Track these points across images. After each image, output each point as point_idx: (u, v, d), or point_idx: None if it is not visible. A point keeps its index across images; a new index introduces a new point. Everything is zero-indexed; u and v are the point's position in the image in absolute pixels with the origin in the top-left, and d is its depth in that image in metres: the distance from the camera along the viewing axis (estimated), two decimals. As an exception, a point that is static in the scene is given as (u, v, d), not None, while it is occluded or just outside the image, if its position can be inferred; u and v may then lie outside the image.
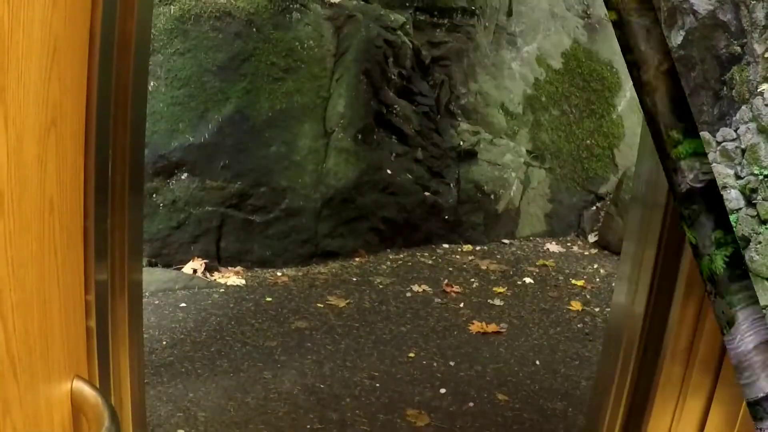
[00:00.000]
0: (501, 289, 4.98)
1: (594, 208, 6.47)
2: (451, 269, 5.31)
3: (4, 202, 0.78)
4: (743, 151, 0.97)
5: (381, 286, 4.89)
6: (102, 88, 1.16)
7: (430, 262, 5.43)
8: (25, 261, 0.86)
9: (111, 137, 1.27)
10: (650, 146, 1.28)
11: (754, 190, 0.97)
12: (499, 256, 5.69)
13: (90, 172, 1.16)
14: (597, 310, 4.73)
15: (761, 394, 0.99)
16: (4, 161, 0.77)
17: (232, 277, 4.79)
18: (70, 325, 1.06)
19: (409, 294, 4.80)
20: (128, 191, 1.36)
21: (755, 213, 0.98)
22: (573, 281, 5.23)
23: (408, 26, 5.67)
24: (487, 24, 6.14)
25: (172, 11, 4.79)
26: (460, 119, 5.99)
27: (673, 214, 1.19)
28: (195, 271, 4.77)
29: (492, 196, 6.00)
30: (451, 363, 3.88)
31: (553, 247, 6.03)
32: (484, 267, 5.39)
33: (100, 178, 1.22)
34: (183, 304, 4.33)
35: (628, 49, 1.02)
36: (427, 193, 5.68)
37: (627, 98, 6.65)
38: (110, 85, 1.23)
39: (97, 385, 1.25)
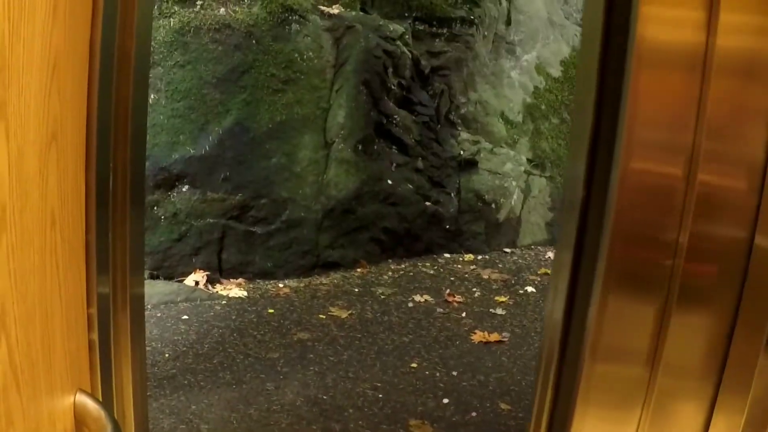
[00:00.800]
0: (503, 299, 4.98)
1: (595, 216, 6.46)
2: (452, 279, 5.31)
3: (6, 215, 0.79)
4: None
5: (383, 297, 4.89)
6: (102, 102, 1.16)
7: (431, 272, 5.43)
8: (27, 274, 0.86)
9: (112, 150, 1.27)
10: (573, 145, 1.27)
11: None
12: (500, 265, 5.69)
13: (91, 185, 1.16)
14: (599, 318, 4.72)
15: None
16: (5, 175, 0.78)
17: (233, 289, 4.79)
18: (73, 338, 1.06)
19: (410, 304, 4.80)
20: (129, 204, 1.36)
21: None
22: (575, 289, 5.22)
23: (407, 36, 5.68)
24: (486, 33, 6.15)
25: (171, 24, 4.80)
26: (460, 129, 6.00)
27: (591, 213, 1.17)
28: (197, 283, 4.77)
29: (493, 205, 6.00)
30: (454, 373, 3.87)
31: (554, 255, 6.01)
32: (485, 276, 5.39)
33: (101, 192, 1.22)
34: (185, 317, 4.33)
35: None
36: (427, 203, 5.69)
37: (626, 106, 6.64)
38: (110, 99, 1.23)
39: (100, 398, 1.25)
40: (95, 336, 1.22)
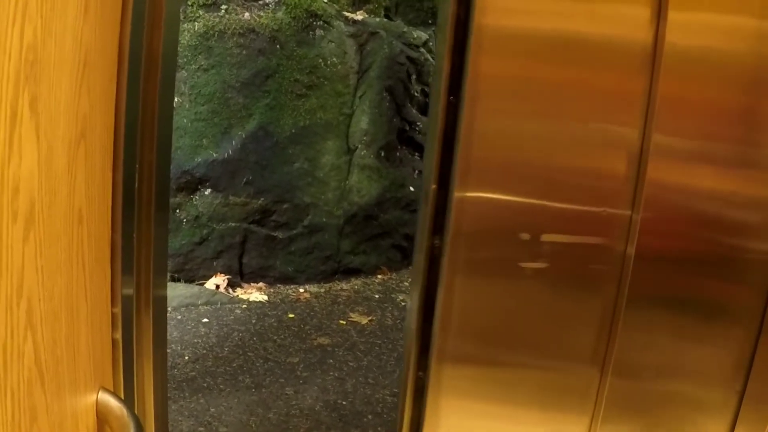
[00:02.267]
0: (523, 307, 4.95)
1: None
2: (473, 286, 5.29)
3: (34, 211, 0.79)
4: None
5: (403, 303, 4.88)
6: (130, 103, 1.16)
7: (452, 279, 5.41)
8: (54, 271, 0.86)
9: (138, 152, 1.28)
10: (429, 138, 1.25)
11: None
12: (521, 274, 5.65)
13: (117, 185, 1.17)
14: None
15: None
16: (35, 171, 0.78)
17: (254, 293, 4.80)
18: (96, 336, 1.06)
19: (431, 311, 4.78)
20: (154, 206, 1.37)
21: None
22: (596, 299, 5.19)
23: (431, 43, 5.68)
24: (509, 41, 6.14)
25: (196, 27, 4.83)
26: (482, 136, 5.99)
27: (448, 208, 1.13)
28: (218, 286, 4.78)
29: (514, 214, 5.97)
30: (474, 380, 3.85)
31: (576, 264, 5.98)
32: (506, 284, 5.36)
33: (127, 192, 1.23)
34: (205, 320, 4.34)
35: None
36: (449, 210, 5.67)
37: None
38: (138, 100, 1.24)
39: (122, 397, 1.25)
40: (118, 335, 1.23)
